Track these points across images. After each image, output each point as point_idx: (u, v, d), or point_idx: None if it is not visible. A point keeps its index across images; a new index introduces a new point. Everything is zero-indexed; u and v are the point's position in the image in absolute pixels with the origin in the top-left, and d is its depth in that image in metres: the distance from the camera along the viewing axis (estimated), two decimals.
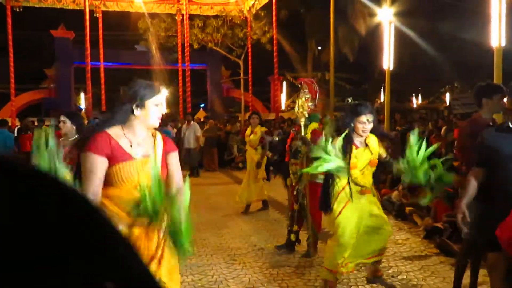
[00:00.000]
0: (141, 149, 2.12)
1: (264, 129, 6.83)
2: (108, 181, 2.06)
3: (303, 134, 4.24)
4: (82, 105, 23.32)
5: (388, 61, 10.54)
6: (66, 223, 0.34)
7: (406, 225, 5.64)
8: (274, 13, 14.44)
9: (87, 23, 13.08)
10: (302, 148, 4.26)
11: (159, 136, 2.21)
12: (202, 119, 13.84)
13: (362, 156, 3.28)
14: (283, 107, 22.20)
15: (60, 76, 18.99)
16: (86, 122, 10.42)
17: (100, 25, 14.90)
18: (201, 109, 21.83)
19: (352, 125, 3.20)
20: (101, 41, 15.12)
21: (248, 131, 6.77)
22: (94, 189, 2.00)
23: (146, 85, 2.16)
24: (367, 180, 3.32)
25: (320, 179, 4.15)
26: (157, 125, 2.17)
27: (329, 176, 3.28)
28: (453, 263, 4.05)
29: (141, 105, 2.09)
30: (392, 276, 3.87)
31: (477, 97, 3.41)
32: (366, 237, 3.33)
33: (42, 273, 0.33)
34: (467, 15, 13.77)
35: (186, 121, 10.83)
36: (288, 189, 4.73)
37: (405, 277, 3.87)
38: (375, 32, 14.53)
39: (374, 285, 3.69)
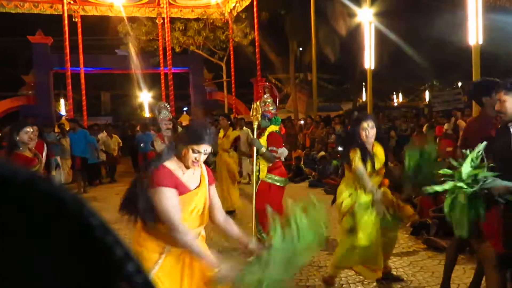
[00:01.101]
0: (193, 181, 2.26)
1: (237, 133, 6.79)
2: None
3: (254, 136, 4.38)
4: (63, 111, 22.94)
5: (369, 61, 10.71)
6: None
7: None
8: (255, 15, 14.49)
9: (66, 28, 12.88)
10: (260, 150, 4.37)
11: (204, 167, 2.34)
12: (187, 123, 13.78)
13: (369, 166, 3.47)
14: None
15: (39, 82, 18.60)
16: (68, 129, 10.33)
17: (79, 30, 14.67)
18: (185, 112, 21.71)
19: (358, 133, 3.43)
20: (80, 46, 14.88)
21: (221, 134, 6.64)
22: (178, 218, 2.11)
23: (193, 131, 2.27)
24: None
25: (269, 179, 4.43)
26: (191, 167, 2.26)
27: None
28: (441, 258, 4.13)
29: (181, 147, 2.22)
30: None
31: (476, 96, 3.45)
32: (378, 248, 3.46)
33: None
34: (445, 14, 14.08)
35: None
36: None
37: (394, 273, 3.93)
38: (355, 33, 14.72)
39: (365, 282, 3.74)
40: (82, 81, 14.66)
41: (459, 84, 22.44)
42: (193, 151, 2.18)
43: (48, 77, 18.83)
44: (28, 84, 19.22)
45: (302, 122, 13.72)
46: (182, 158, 2.21)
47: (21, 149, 3.95)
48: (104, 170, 10.55)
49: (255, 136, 4.45)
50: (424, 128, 9.45)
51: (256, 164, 4.51)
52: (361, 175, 3.36)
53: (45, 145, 4.37)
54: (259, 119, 4.31)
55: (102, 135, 10.39)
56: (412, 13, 15.46)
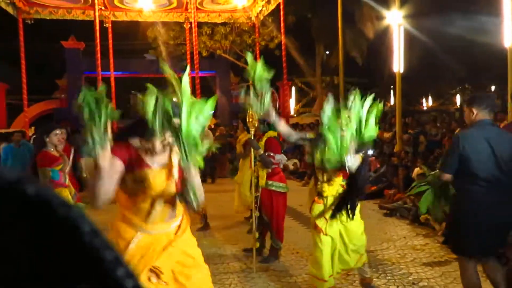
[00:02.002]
0: (158, 159, 2.15)
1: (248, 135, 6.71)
2: (125, 189, 2.11)
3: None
4: None
5: (398, 64, 10.47)
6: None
7: (423, 230, 5.56)
8: (281, 18, 14.45)
9: (97, 34, 13.20)
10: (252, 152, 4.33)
11: (175, 147, 2.19)
12: (212, 126, 13.86)
13: None
14: (292, 112, 22.16)
15: (71, 86, 19.16)
16: None
17: (110, 35, 15.01)
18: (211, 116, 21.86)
19: None
20: (111, 51, 15.21)
21: (242, 136, 6.64)
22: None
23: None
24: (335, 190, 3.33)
25: (269, 185, 4.36)
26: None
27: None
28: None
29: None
30: (413, 283, 3.81)
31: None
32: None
33: None
34: (477, 15, 13.64)
35: None
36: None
37: (426, 284, 3.80)
38: (383, 35, 14.46)
39: None
40: (112, 84, 14.98)
41: (493, 87, 21.71)
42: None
43: (80, 81, 19.37)
44: (61, 88, 19.84)
45: None
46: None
47: (49, 148, 4.17)
48: None
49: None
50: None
51: (254, 171, 4.43)
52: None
53: (72, 149, 4.55)
54: (255, 125, 4.20)
55: None
56: (443, 15, 15.07)
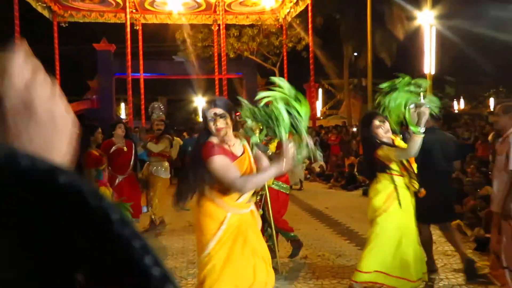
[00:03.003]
0: (237, 150, 2.59)
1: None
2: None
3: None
4: (123, 115, 24.10)
5: (429, 65, 10.24)
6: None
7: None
8: (309, 20, 14.39)
9: (128, 36, 13.51)
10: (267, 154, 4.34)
11: (242, 140, 2.66)
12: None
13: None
14: (318, 115, 22.00)
15: (102, 87, 19.70)
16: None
17: (140, 37, 15.36)
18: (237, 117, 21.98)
19: (373, 134, 3.29)
20: (140, 52, 15.57)
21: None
22: (237, 175, 2.42)
23: (204, 104, 2.73)
24: None
25: (276, 185, 4.40)
26: (217, 134, 2.53)
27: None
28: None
29: (204, 122, 2.60)
30: None
31: None
32: (403, 256, 3.26)
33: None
34: (511, 16, 13.19)
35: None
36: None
37: None
38: (413, 36, 14.17)
39: None
40: (141, 85, 15.31)
41: None
42: (209, 119, 2.50)
43: (111, 82, 19.88)
44: (93, 88, 20.41)
45: (355, 129, 13.39)
46: (213, 133, 2.52)
47: (118, 143, 4.60)
48: None
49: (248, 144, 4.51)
50: (490, 137, 8.86)
51: None
52: (398, 154, 3.18)
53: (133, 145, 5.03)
54: (260, 126, 4.20)
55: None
56: (476, 15, 14.62)
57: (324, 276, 4.12)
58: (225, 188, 2.47)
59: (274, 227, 4.28)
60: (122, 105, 24.84)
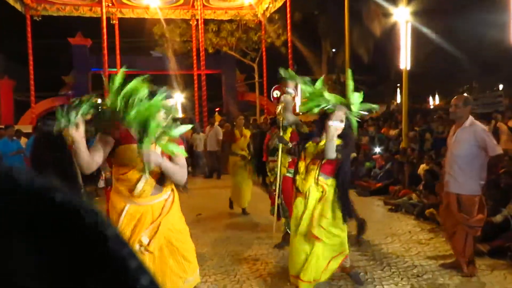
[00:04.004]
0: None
1: (249, 132, 6.86)
2: (116, 161, 2.43)
3: (281, 134, 4.58)
4: None
5: (405, 61, 10.42)
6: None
7: (428, 225, 5.55)
8: (288, 15, 14.44)
9: (104, 30, 13.28)
10: (279, 146, 4.55)
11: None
12: (218, 123, 13.92)
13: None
14: (297, 110, 22.12)
15: (78, 83, 19.30)
16: None
17: (117, 32, 15.12)
18: (217, 113, 21.92)
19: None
20: (117, 47, 15.31)
21: (237, 134, 6.69)
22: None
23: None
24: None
25: (290, 173, 4.51)
26: None
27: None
28: (480, 263, 3.97)
29: None
30: (418, 276, 3.81)
31: None
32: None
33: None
34: (485, 14, 13.55)
35: (209, 125, 11.31)
36: (268, 187, 5.00)
37: (430, 276, 3.80)
38: (389, 33, 14.40)
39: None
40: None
41: (500, 86, 21.54)
42: None
43: (87, 77, 19.50)
44: (68, 84, 19.98)
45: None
46: None
47: None
48: None
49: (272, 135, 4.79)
50: None
51: (269, 162, 4.79)
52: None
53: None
54: (286, 117, 4.33)
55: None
56: (450, 13, 14.98)
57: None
58: (122, 178, 2.40)
59: (277, 210, 4.56)
60: (99, 101, 24.41)
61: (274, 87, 4.95)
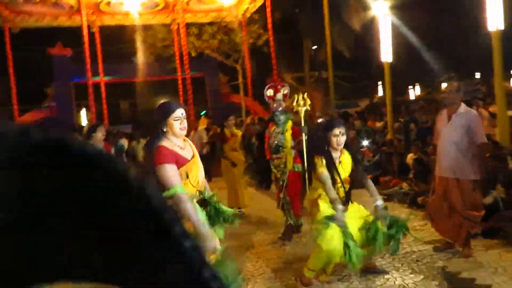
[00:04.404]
0: (187, 153, 2.70)
1: (239, 131, 6.94)
2: None
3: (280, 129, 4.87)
4: (84, 122, 23.41)
5: (386, 54, 10.65)
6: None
7: (421, 212, 5.70)
8: (268, 15, 14.56)
9: (86, 39, 13.17)
10: (284, 143, 4.80)
11: (189, 141, 2.81)
12: (206, 126, 13.93)
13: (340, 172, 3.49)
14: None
15: (60, 94, 19.01)
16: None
17: (98, 40, 15.01)
18: (202, 116, 21.90)
19: (328, 139, 3.46)
20: (99, 56, 15.20)
21: (228, 133, 6.70)
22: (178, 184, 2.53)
23: (164, 105, 2.74)
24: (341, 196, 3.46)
25: (296, 168, 4.81)
26: (181, 135, 2.68)
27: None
28: (475, 243, 4.12)
29: (165, 124, 2.64)
30: (417, 260, 3.94)
31: None
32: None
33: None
34: (462, 5, 13.90)
35: (193, 129, 11.19)
36: (273, 182, 5.18)
37: (429, 260, 3.94)
38: (369, 27, 14.64)
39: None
40: (103, 90, 14.96)
41: (477, 75, 22.08)
42: (175, 120, 2.59)
43: (69, 88, 19.26)
44: (50, 96, 19.67)
45: (321, 119, 13.69)
46: (170, 133, 2.61)
47: None
48: None
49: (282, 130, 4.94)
50: None
51: (274, 159, 4.92)
52: (324, 182, 3.34)
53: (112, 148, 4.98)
54: (308, 108, 4.68)
55: (135, 143, 10.90)
56: (428, 4, 15.31)
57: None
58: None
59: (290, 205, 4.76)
60: (83, 111, 24.13)
61: (267, 86, 5.04)
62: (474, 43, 14.59)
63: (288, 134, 4.78)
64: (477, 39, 12.80)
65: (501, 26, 7.01)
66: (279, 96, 4.90)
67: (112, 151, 5.03)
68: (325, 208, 3.40)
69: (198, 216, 2.49)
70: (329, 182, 3.37)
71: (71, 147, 0.35)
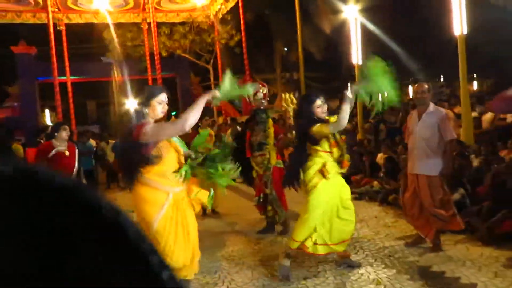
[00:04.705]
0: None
1: (212, 131, 7.04)
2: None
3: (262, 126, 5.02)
4: (48, 122, 22.63)
5: (357, 56, 10.88)
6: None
7: (392, 209, 5.86)
8: (241, 16, 14.56)
9: (52, 37, 12.72)
10: (267, 140, 4.96)
11: None
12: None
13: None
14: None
15: (24, 93, 18.35)
16: None
17: (64, 38, 14.53)
18: (173, 117, 21.64)
19: (313, 112, 3.59)
20: (66, 54, 14.71)
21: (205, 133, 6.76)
22: (170, 124, 2.76)
23: (149, 88, 2.92)
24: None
25: (278, 164, 4.98)
26: (160, 118, 2.78)
27: (301, 152, 3.65)
28: (444, 238, 4.26)
29: (147, 105, 2.75)
30: (390, 256, 4.03)
31: None
32: (338, 225, 3.60)
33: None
34: (428, 9, 14.38)
35: None
36: (254, 180, 5.21)
37: (401, 255, 4.04)
38: (339, 30, 14.91)
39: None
40: (69, 89, 14.50)
41: (441, 77, 22.90)
42: (158, 102, 2.71)
43: (33, 87, 18.60)
44: (13, 95, 18.94)
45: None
46: (151, 116, 2.70)
47: (59, 146, 4.47)
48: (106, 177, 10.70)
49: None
50: None
51: (256, 157, 5.03)
52: (332, 126, 3.46)
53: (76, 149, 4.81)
54: (295, 107, 4.88)
55: (104, 144, 10.65)
56: (396, 8, 15.75)
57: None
58: (161, 169, 2.67)
59: (277, 200, 4.89)
60: (47, 111, 23.34)
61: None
62: (439, 47, 15.13)
63: (271, 131, 4.94)
64: (442, 43, 13.28)
65: (465, 31, 7.29)
66: (260, 95, 5.03)
67: (76, 151, 4.80)
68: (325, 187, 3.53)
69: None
70: (332, 124, 3.51)
71: (41, 179, 0.34)
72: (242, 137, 5.34)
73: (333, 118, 3.65)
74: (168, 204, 2.72)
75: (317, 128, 3.50)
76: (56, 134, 4.48)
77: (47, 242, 0.32)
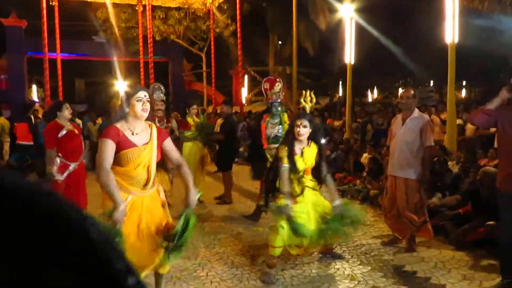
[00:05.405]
0: (141, 139, 2.76)
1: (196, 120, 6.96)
2: (118, 162, 2.72)
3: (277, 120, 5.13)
4: (35, 98, 22.27)
5: (350, 56, 10.97)
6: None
7: (372, 208, 6.00)
8: (237, 6, 14.51)
9: (44, 12, 12.51)
10: (282, 133, 4.98)
11: (154, 128, 2.85)
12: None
13: (298, 163, 3.65)
14: (243, 101, 22.31)
15: (12, 66, 18.01)
16: (41, 115, 10.09)
17: (57, 14, 14.28)
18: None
19: (292, 130, 3.69)
20: (57, 31, 14.46)
21: (190, 121, 6.65)
22: (106, 163, 2.67)
23: (128, 86, 2.79)
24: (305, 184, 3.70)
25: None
26: (143, 117, 2.76)
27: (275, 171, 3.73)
28: (419, 240, 4.41)
29: (128, 104, 2.75)
30: (366, 253, 4.17)
31: None
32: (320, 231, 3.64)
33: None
34: (422, 14, 14.53)
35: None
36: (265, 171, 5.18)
37: (377, 253, 4.18)
38: (334, 28, 14.98)
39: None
40: (59, 66, 14.31)
41: (431, 82, 23.19)
42: (138, 100, 2.70)
43: (22, 61, 18.27)
44: (1, 67, 18.59)
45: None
46: (132, 115, 2.72)
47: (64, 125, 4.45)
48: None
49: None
50: None
51: (271, 149, 5.04)
52: (282, 173, 3.58)
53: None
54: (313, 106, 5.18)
55: (91, 124, 10.58)
56: (390, 11, 15.87)
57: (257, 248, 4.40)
58: (125, 170, 2.72)
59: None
60: (34, 87, 22.96)
61: (264, 80, 5.37)
62: (430, 53, 15.33)
63: (286, 125, 4.98)
64: (433, 49, 13.47)
65: (457, 39, 7.43)
66: (277, 88, 5.11)
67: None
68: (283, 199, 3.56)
69: (117, 192, 2.61)
70: (286, 174, 3.53)
71: (5, 185, 0.33)
72: (255, 131, 5.41)
73: (307, 151, 3.70)
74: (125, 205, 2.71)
75: (281, 148, 3.69)
76: (58, 113, 4.39)
77: (10, 251, 0.32)
